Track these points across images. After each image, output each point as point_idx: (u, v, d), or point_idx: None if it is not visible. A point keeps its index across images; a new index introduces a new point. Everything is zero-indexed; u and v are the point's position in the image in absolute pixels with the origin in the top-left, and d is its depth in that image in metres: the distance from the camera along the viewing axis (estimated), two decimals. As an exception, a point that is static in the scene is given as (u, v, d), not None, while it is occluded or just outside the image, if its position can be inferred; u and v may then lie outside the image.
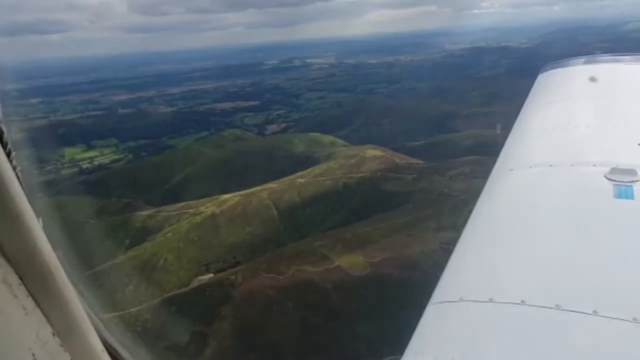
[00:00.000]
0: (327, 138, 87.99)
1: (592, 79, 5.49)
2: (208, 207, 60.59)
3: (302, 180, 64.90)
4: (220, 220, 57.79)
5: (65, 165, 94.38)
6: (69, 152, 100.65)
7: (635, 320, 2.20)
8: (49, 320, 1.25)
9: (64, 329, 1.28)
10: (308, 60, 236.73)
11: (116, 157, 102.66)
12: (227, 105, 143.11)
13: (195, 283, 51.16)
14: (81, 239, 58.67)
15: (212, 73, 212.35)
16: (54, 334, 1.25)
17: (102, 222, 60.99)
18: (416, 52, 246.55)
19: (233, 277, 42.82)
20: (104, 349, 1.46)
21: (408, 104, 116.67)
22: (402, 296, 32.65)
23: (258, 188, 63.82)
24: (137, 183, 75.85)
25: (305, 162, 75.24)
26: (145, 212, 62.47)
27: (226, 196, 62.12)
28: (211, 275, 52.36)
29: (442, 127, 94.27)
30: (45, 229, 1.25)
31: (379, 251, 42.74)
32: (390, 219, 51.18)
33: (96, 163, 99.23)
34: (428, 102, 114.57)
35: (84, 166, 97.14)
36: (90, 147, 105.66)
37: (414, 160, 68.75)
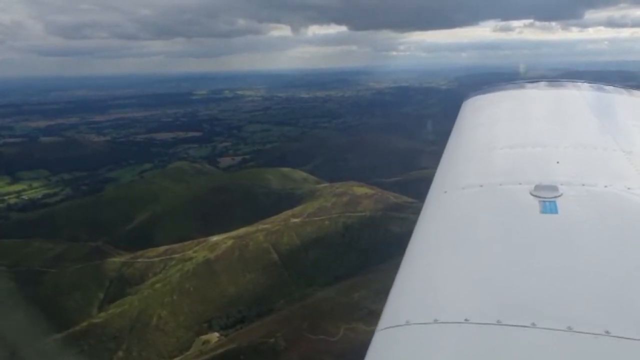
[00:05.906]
0: (299, 173, 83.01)
1: None
2: (197, 251, 52.70)
3: (296, 220, 59.08)
4: (216, 267, 50.23)
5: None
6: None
7: (570, 329, 2.30)
8: None
9: None
10: (239, 92, 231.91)
11: (49, 191, 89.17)
12: (166, 135, 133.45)
13: (199, 344, 43.18)
14: (42, 294, 48.46)
15: (137, 101, 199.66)
16: None
17: (65, 272, 50.73)
18: (345, 88, 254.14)
19: (272, 340, 35.60)
20: None
21: (363, 139, 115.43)
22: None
23: (250, 229, 57.02)
24: (91, 223, 65.27)
25: (288, 199, 69.61)
26: (118, 259, 52.98)
27: (216, 238, 54.62)
28: (216, 334, 44.62)
29: (410, 163, 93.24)
30: None
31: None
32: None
33: (25, 197, 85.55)
34: (382, 138, 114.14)
35: (11, 201, 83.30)
36: (16, 180, 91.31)
37: (408, 199, 65.73)
